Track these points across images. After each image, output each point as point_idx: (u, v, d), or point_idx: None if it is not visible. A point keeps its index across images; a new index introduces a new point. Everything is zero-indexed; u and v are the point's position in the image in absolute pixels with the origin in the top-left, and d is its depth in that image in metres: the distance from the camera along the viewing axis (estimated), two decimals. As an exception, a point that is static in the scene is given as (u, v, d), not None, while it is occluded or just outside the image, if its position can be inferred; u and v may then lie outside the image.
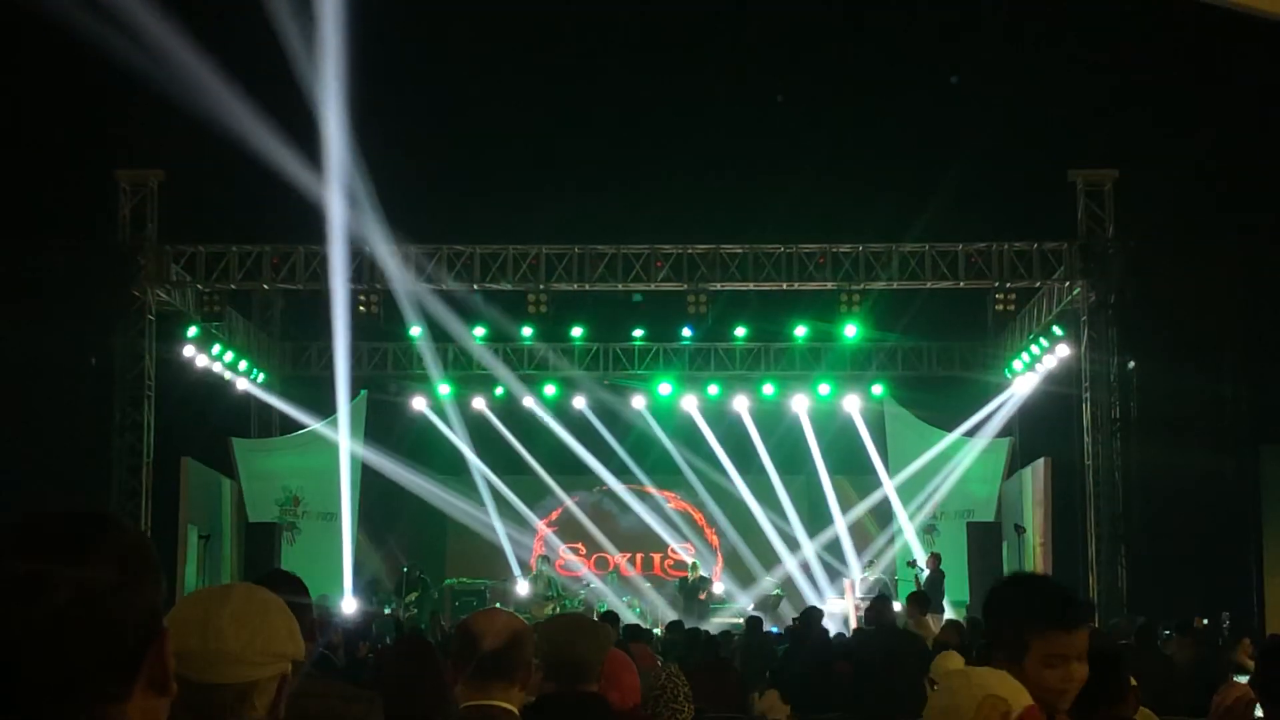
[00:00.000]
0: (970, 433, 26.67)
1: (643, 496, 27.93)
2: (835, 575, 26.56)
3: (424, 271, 22.72)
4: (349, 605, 24.63)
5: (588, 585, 26.01)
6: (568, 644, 4.67)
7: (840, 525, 27.07)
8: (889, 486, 26.83)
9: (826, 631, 16.13)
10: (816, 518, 27.52)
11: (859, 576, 25.12)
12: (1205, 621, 18.64)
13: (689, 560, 26.45)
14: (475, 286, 23.03)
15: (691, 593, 24.54)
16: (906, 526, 26.74)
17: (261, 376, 26.52)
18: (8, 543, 1.75)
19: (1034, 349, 24.03)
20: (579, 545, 28.07)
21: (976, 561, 23.17)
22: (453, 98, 24.79)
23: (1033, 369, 24.34)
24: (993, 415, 26.30)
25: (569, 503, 28.06)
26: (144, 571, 1.79)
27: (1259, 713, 5.96)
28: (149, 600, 1.78)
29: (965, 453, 26.55)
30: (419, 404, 27.31)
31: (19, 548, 1.74)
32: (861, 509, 27.37)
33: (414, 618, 23.45)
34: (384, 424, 27.27)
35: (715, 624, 22.49)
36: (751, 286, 23.10)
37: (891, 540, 26.96)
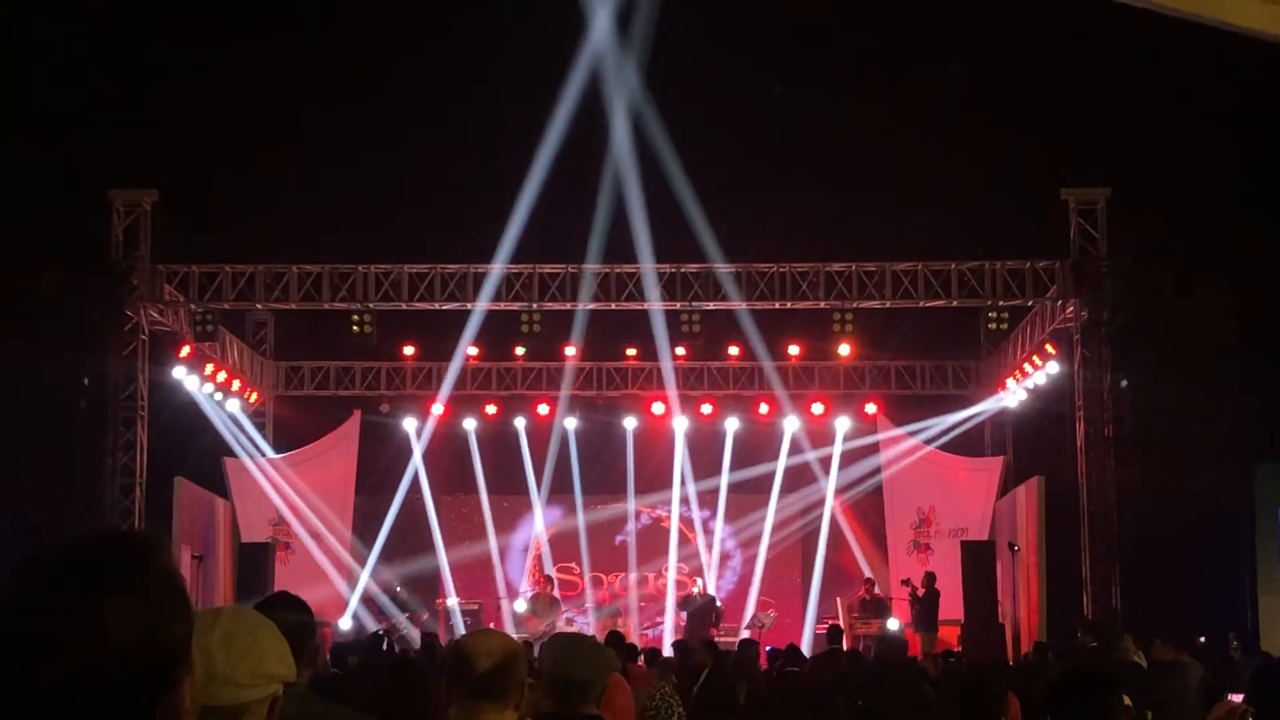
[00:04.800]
0: (963, 449, 26.74)
1: (636, 515, 27.88)
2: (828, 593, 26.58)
3: (417, 290, 22.80)
4: (346, 623, 24.73)
5: (582, 604, 25.95)
6: (568, 664, 4.65)
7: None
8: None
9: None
10: (808, 537, 27.52)
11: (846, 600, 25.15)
12: (1203, 639, 18.62)
13: (694, 578, 26.41)
14: (469, 305, 23.05)
15: (696, 611, 24.34)
16: (895, 545, 26.87)
17: (254, 396, 26.50)
18: (30, 579, 1.70)
19: (1027, 367, 24.03)
20: (573, 564, 28.01)
21: (970, 580, 23.13)
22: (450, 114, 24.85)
23: (1025, 387, 24.34)
24: (976, 419, 26.46)
25: (563, 521, 27.98)
26: (168, 608, 1.73)
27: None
28: (171, 639, 1.73)
29: (959, 471, 26.60)
30: (410, 424, 27.23)
31: (41, 586, 1.69)
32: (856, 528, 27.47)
33: (404, 639, 23.41)
34: (376, 443, 27.25)
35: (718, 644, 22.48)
36: (744, 306, 23.10)
37: (885, 558, 27.02)
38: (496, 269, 22.73)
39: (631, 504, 27.64)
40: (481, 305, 23.02)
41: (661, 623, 26.52)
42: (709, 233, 22.34)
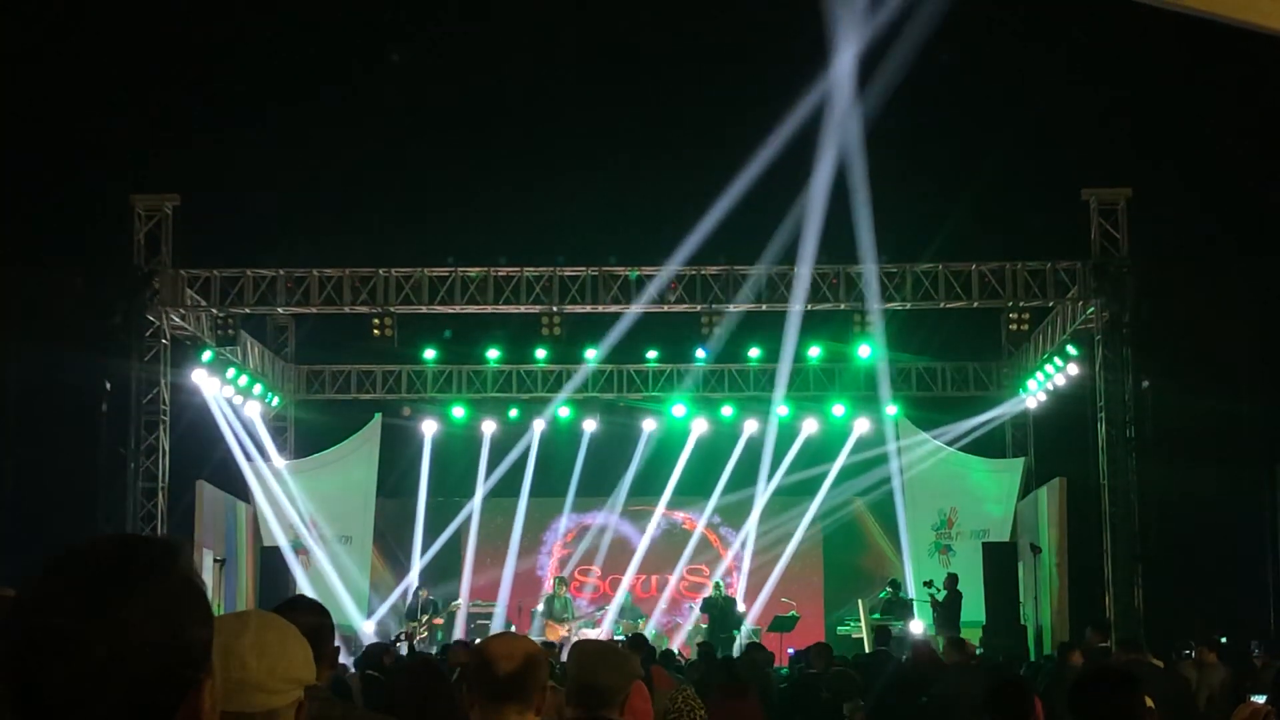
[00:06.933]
0: (984, 450, 26.70)
1: (657, 518, 27.85)
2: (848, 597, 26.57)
3: (438, 294, 22.83)
4: (369, 627, 24.80)
5: (602, 608, 25.96)
6: (594, 671, 4.68)
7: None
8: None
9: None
10: (830, 538, 27.51)
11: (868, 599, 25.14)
12: (1224, 640, 18.56)
13: (713, 579, 26.39)
14: (490, 308, 23.08)
15: (718, 612, 24.32)
16: (917, 547, 26.86)
17: (276, 400, 26.54)
18: (52, 582, 1.71)
19: (1048, 368, 23.97)
20: (593, 567, 28.03)
21: (992, 582, 23.12)
22: (466, 123, 24.90)
23: (1046, 389, 24.29)
24: (997, 421, 26.43)
25: (583, 524, 28.01)
26: (189, 611, 1.74)
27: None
28: (191, 642, 1.73)
29: (980, 472, 26.55)
30: (429, 427, 27.23)
31: (62, 587, 1.70)
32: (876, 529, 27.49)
33: (425, 640, 23.46)
34: (397, 447, 27.30)
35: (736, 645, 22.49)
36: (765, 308, 23.08)
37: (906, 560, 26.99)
38: (518, 272, 22.79)
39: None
40: (502, 308, 23.08)
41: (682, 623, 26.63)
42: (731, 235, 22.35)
